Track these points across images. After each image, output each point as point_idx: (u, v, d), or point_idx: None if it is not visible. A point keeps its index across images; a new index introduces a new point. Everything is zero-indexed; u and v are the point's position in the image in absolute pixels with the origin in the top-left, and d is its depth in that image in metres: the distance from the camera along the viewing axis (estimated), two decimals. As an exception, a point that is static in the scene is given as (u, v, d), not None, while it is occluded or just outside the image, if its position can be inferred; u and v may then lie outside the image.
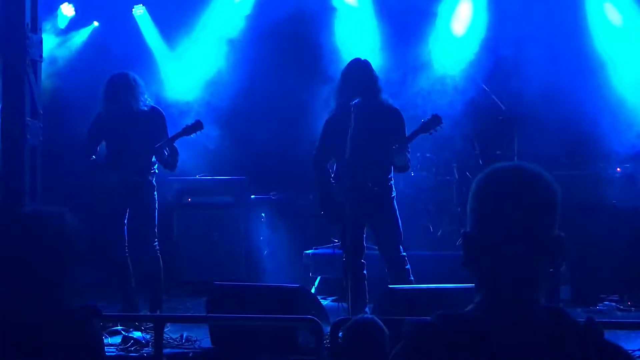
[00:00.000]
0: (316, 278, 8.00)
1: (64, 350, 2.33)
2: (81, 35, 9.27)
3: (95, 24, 9.29)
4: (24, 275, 2.38)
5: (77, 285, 2.51)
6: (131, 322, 5.89)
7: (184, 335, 5.58)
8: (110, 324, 5.81)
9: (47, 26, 8.10)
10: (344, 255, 5.85)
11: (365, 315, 3.40)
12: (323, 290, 7.79)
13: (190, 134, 6.32)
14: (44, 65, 5.93)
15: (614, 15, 8.61)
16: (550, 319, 1.68)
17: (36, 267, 2.38)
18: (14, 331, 2.31)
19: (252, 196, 8.58)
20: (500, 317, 1.68)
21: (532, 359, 1.63)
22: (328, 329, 4.37)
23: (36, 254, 2.38)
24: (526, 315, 1.68)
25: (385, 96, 6.04)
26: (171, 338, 5.50)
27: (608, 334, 1.70)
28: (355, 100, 5.71)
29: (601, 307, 6.75)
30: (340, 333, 3.80)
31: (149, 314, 6.28)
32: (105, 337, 5.54)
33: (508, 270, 1.69)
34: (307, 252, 8.09)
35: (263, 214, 8.55)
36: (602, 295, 6.92)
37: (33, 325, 2.32)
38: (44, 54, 5.83)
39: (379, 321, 3.30)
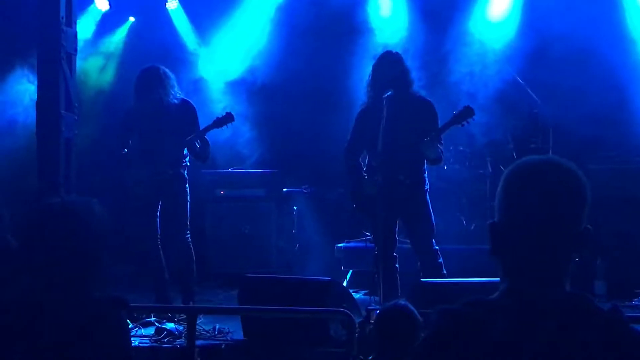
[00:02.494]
0: (348, 271, 8.01)
1: (90, 342, 2.34)
2: (121, 32, 9.35)
3: (131, 19, 9.39)
4: (51, 266, 2.39)
5: (105, 276, 2.52)
6: (164, 314, 5.96)
7: (217, 327, 5.63)
8: (144, 316, 5.88)
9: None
10: (376, 249, 5.84)
11: (398, 301, 3.37)
12: (355, 283, 7.80)
13: (222, 126, 6.35)
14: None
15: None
16: (574, 305, 1.71)
17: (64, 259, 2.39)
18: (41, 322, 2.33)
19: (284, 189, 8.63)
20: (524, 304, 1.71)
21: (556, 345, 1.65)
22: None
23: (64, 245, 2.39)
24: (550, 302, 1.71)
25: (417, 88, 6.03)
26: (204, 330, 5.55)
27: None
28: (388, 93, 5.71)
29: (637, 302, 6.70)
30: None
31: (182, 305, 6.34)
32: (139, 328, 5.65)
33: (533, 259, 1.74)
34: (339, 245, 8.08)
35: (295, 207, 8.57)
36: (637, 291, 6.84)
37: (60, 316, 2.34)
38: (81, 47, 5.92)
39: (412, 307, 3.29)
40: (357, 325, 4.27)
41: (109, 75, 9.16)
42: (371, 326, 3.63)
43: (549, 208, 1.73)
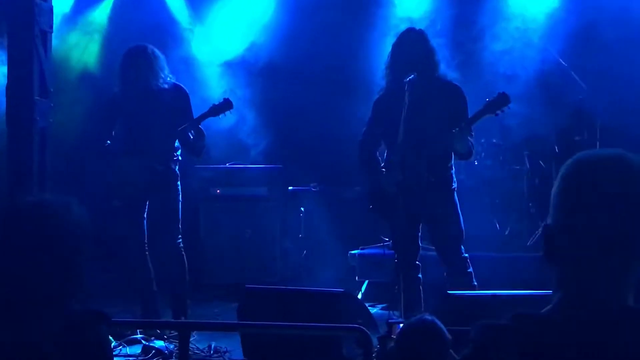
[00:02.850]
0: (363, 282, 8.02)
1: None
2: (105, 6, 9.37)
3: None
4: (22, 275, 2.38)
5: (83, 286, 2.51)
6: (152, 330, 5.99)
7: (212, 346, 5.68)
8: (129, 332, 5.93)
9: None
10: (396, 256, 5.85)
11: (424, 316, 3.37)
12: (371, 296, 7.82)
13: (219, 114, 6.34)
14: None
15: None
16: (638, 323, 1.71)
17: (36, 266, 2.38)
18: (9, 338, 2.32)
19: (290, 187, 8.64)
20: (582, 318, 1.71)
21: None
22: (377, 340, 4.39)
23: (37, 251, 2.38)
24: (611, 317, 1.70)
25: (444, 71, 6.02)
26: (197, 349, 5.60)
27: None
28: (410, 77, 5.70)
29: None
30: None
31: (172, 320, 6.36)
32: (123, 347, 5.71)
33: (594, 269, 1.74)
34: (353, 252, 8.10)
35: (302, 208, 8.59)
36: None
37: (32, 332, 2.33)
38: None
39: (440, 324, 3.29)
40: (375, 343, 4.28)
41: (91, 56, 9.17)
42: (392, 343, 3.63)
43: (615, 212, 1.73)
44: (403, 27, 6.46)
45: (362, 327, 4.24)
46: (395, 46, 5.99)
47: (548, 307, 1.77)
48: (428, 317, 3.38)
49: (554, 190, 1.83)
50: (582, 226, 1.75)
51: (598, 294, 1.74)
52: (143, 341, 5.78)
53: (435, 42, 6.12)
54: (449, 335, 3.28)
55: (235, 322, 5.30)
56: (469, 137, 5.74)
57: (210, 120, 6.43)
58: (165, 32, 8.93)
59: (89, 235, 2.51)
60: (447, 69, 6.14)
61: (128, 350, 5.66)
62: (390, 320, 4.28)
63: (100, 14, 9.34)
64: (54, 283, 2.41)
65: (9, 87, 5.43)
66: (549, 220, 1.83)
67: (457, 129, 5.62)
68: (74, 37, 9.01)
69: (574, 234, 1.76)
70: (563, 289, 1.78)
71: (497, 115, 5.70)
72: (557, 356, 1.68)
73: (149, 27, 8.57)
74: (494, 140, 8.37)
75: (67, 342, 2.35)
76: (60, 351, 2.33)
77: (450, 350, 3.24)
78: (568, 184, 1.81)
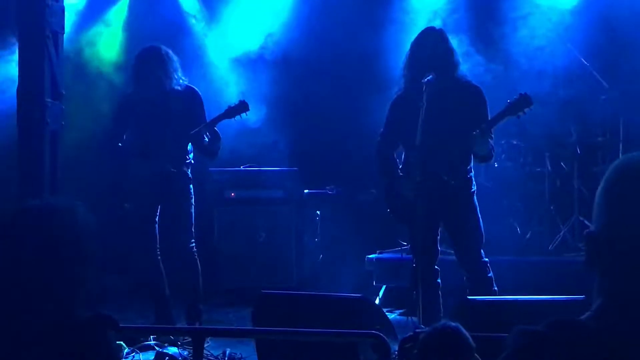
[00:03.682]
0: (381, 287, 7.99)
1: None
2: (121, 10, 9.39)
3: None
4: (27, 279, 2.37)
5: (91, 292, 2.50)
6: (166, 336, 5.98)
7: (227, 352, 5.67)
8: (142, 338, 5.90)
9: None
10: (414, 261, 5.82)
11: (447, 323, 3.33)
12: (389, 301, 7.79)
13: (234, 116, 6.35)
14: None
15: None
16: None
17: (41, 271, 2.37)
18: (14, 345, 2.30)
19: (306, 190, 8.62)
20: (626, 327, 1.69)
21: None
22: (395, 347, 4.36)
23: (42, 254, 2.36)
24: None
25: (463, 72, 5.99)
26: (212, 355, 5.58)
27: None
28: (428, 77, 5.66)
29: None
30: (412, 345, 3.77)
31: (186, 326, 6.35)
32: (136, 353, 5.69)
33: (638, 276, 1.71)
34: (370, 256, 8.07)
35: (318, 212, 8.59)
36: None
37: (36, 338, 2.31)
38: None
39: (464, 331, 3.25)
40: (394, 349, 4.25)
41: (111, 54, 9.15)
42: (415, 353, 3.59)
43: None
44: (423, 20, 6.40)
45: (379, 333, 4.21)
46: (414, 46, 5.96)
47: (587, 314, 1.75)
48: (452, 324, 3.34)
49: (598, 193, 1.80)
50: (629, 233, 1.71)
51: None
52: (156, 347, 5.76)
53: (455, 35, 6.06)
54: (473, 343, 3.24)
55: (250, 327, 5.28)
56: (489, 139, 5.70)
57: (225, 121, 6.42)
58: (179, 28, 8.92)
59: (96, 239, 2.49)
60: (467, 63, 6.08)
61: (141, 356, 5.66)
62: (417, 330, 4.24)
63: (116, 13, 9.34)
64: (60, 288, 2.40)
65: (20, 89, 5.44)
66: (592, 226, 1.80)
67: (478, 130, 5.58)
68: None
69: (619, 240, 1.72)
70: (604, 296, 1.75)
71: (518, 117, 5.68)
72: None
73: (162, 25, 8.57)
74: (515, 142, 8.32)
75: (74, 349, 2.33)
76: (67, 358, 2.33)
77: (476, 355, 3.20)
78: (613, 186, 1.77)
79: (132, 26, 9.13)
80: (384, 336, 4.13)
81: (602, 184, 1.80)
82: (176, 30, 8.85)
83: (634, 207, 1.72)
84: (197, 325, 6.36)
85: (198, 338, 4.21)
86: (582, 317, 1.75)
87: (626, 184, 1.75)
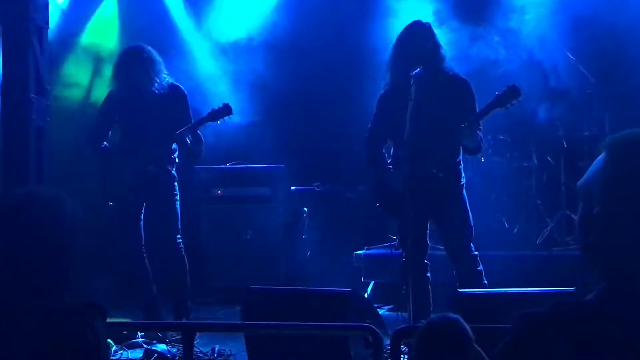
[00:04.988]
0: (369, 283, 7.97)
1: (57, 358, 2.32)
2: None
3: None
4: (12, 269, 2.37)
5: (76, 280, 2.49)
6: (154, 333, 5.94)
7: (216, 349, 5.64)
8: (128, 335, 5.86)
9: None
10: (404, 255, 5.80)
11: (448, 314, 3.29)
12: (377, 297, 7.76)
13: (217, 119, 6.36)
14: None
15: None
16: None
17: (28, 260, 2.37)
18: (0, 333, 2.30)
19: (293, 187, 8.60)
20: (630, 306, 1.68)
21: None
22: (386, 341, 4.32)
23: (28, 244, 2.37)
24: None
25: (450, 65, 5.97)
26: (201, 352, 5.55)
27: None
28: (416, 70, 5.65)
29: None
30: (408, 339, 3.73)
31: (175, 321, 6.32)
32: (124, 351, 5.64)
33: None
34: (358, 252, 8.05)
35: (305, 209, 8.55)
36: None
37: (22, 328, 2.30)
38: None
39: (464, 322, 3.21)
40: (386, 343, 4.21)
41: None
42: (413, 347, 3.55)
43: None
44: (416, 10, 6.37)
45: (371, 325, 4.17)
46: (401, 39, 5.94)
47: (590, 295, 1.74)
48: (453, 315, 3.30)
49: (593, 176, 1.78)
50: (634, 212, 1.70)
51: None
52: (145, 345, 5.72)
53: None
54: (472, 335, 3.21)
55: (240, 322, 5.24)
56: (477, 132, 5.71)
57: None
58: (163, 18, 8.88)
59: (81, 227, 2.50)
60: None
61: (129, 354, 5.61)
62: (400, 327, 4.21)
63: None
64: (45, 275, 2.39)
65: (4, 85, 5.38)
66: (584, 210, 1.79)
67: (466, 123, 5.59)
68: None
69: (623, 219, 1.70)
70: (608, 278, 1.73)
71: (507, 108, 5.67)
72: (599, 344, 1.65)
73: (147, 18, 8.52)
74: (501, 137, 8.31)
75: (61, 336, 2.32)
76: (52, 347, 2.31)
77: (475, 345, 3.17)
78: (615, 166, 1.75)
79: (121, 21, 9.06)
80: (376, 329, 4.09)
81: (600, 163, 1.77)
82: (161, 20, 8.77)
83: (634, 183, 1.70)
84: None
85: (188, 333, 4.15)
86: (587, 297, 1.74)
87: (631, 161, 1.74)
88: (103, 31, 8.94)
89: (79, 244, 2.49)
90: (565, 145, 8.21)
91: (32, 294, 2.37)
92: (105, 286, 7.39)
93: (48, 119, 5.73)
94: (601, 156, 1.82)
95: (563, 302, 1.73)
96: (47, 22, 5.70)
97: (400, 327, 4.29)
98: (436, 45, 5.93)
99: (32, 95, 5.52)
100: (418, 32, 5.91)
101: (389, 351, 4.21)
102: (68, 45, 8.54)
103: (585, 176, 1.85)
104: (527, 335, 1.71)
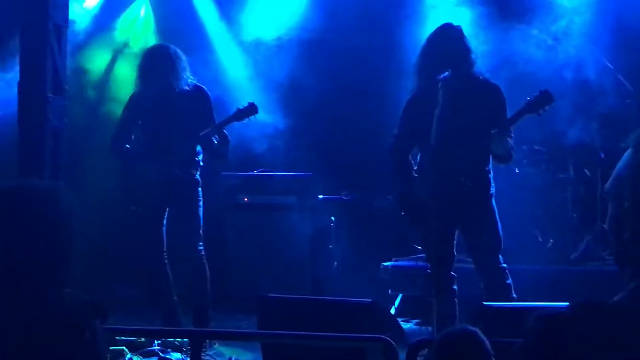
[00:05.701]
0: (397, 296, 7.83)
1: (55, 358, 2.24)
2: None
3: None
4: (5, 263, 2.29)
5: (73, 276, 2.43)
6: (171, 341, 5.87)
7: (232, 359, 5.57)
8: (144, 343, 5.82)
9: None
10: (429, 267, 5.65)
11: (465, 327, 3.14)
12: (405, 311, 7.65)
13: (243, 119, 6.32)
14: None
15: None
16: None
17: (21, 254, 2.29)
18: None
19: (320, 196, 8.47)
20: None
21: None
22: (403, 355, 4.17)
23: (21, 237, 2.30)
24: None
25: (479, 70, 5.82)
26: (216, 362, 5.45)
27: None
28: (444, 74, 5.51)
29: None
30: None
31: (182, 328, 6.23)
32: (138, 358, 5.56)
33: None
34: (386, 264, 7.89)
35: (333, 218, 8.43)
36: None
37: (14, 329, 2.23)
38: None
39: (483, 335, 3.05)
40: (402, 357, 4.06)
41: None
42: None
43: None
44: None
45: (386, 337, 4.01)
46: (431, 41, 5.82)
47: (618, 295, 1.70)
48: (470, 327, 3.13)
49: (621, 172, 1.67)
50: None
51: None
52: (160, 353, 5.63)
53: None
54: (492, 351, 3.04)
55: (252, 331, 5.14)
56: (508, 139, 5.57)
57: (238, 125, 6.39)
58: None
59: (77, 220, 2.43)
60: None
61: (143, 362, 5.52)
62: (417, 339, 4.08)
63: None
64: (40, 270, 2.32)
65: (21, 84, 5.31)
66: (615, 209, 1.75)
67: (496, 129, 5.45)
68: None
69: None
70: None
71: (539, 115, 5.54)
72: (627, 346, 1.59)
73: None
74: (536, 147, 8.13)
75: (57, 337, 2.25)
76: (48, 347, 2.24)
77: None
78: None
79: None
80: (391, 340, 3.94)
81: (624, 160, 1.66)
82: (189, 19, 8.71)
83: None
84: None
85: (196, 341, 4.02)
86: (615, 298, 1.70)
87: None
88: (134, 30, 8.91)
89: (75, 236, 2.42)
90: (602, 156, 8.00)
91: (27, 289, 2.30)
92: (127, 293, 7.32)
93: (66, 119, 5.65)
94: (628, 152, 1.72)
95: (585, 303, 1.69)
96: (66, 21, 5.65)
97: (418, 339, 4.13)
98: (467, 49, 5.79)
99: (50, 94, 5.44)
100: (449, 34, 5.79)
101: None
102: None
103: (612, 176, 1.73)
104: (544, 337, 1.68)
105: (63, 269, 2.37)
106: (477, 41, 6.58)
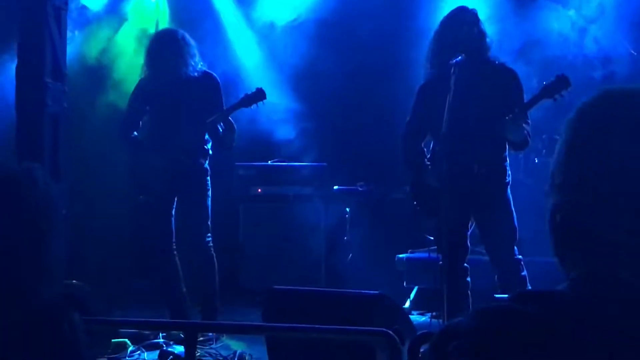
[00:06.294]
0: (412, 289, 7.70)
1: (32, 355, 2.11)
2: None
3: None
4: None
5: (55, 270, 2.23)
6: (176, 333, 5.81)
7: (237, 353, 5.48)
8: (152, 336, 5.78)
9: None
10: (441, 258, 5.46)
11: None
12: (421, 304, 7.52)
13: (251, 104, 6.14)
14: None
15: None
16: None
17: None
18: None
19: (335, 187, 8.35)
20: (607, 296, 1.46)
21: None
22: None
23: None
24: (634, 296, 1.45)
25: (494, 55, 5.62)
26: (220, 355, 5.46)
27: None
28: (457, 58, 5.31)
29: None
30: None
31: (175, 320, 6.09)
32: (141, 352, 5.44)
33: (627, 239, 1.46)
34: (401, 256, 7.75)
35: (348, 209, 8.30)
36: None
37: None
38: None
39: None
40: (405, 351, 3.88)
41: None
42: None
43: None
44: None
45: (389, 331, 3.84)
46: (445, 24, 5.65)
47: (561, 285, 1.53)
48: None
49: (561, 148, 1.61)
50: (602, 190, 1.48)
51: (628, 270, 1.46)
52: (164, 346, 5.52)
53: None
54: None
55: (255, 323, 5.02)
56: (524, 125, 5.36)
57: (254, 114, 6.27)
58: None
59: (57, 208, 2.25)
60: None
61: (146, 355, 5.42)
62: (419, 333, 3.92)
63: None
64: (12, 264, 2.14)
65: (19, 69, 5.18)
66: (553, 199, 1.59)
67: (510, 115, 5.26)
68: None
69: (591, 182, 1.49)
70: (581, 266, 1.53)
71: (555, 100, 5.32)
72: (568, 336, 1.42)
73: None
74: (556, 137, 7.87)
75: (34, 332, 2.10)
76: (25, 343, 2.09)
77: None
78: (590, 130, 1.53)
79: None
80: (393, 334, 3.76)
81: (565, 136, 1.62)
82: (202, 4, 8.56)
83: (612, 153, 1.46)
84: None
85: (190, 333, 3.86)
86: (558, 287, 1.54)
87: (608, 125, 1.49)
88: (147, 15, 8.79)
89: (54, 225, 2.22)
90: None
91: (2, 282, 2.13)
92: (133, 285, 7.22)
93: (65, 105, 5.50)
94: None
95: (526, 293, 1.54)
96: (66, 3, 5.50)
97: (419, 332, 3.95)
98: (482, 33, 5.61)
99: (48, 79, 5.29)
100: (462, 18, 5.60)
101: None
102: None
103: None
104: (483, 334, 1.49)
105: (43, 261, 2.19)
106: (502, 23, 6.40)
